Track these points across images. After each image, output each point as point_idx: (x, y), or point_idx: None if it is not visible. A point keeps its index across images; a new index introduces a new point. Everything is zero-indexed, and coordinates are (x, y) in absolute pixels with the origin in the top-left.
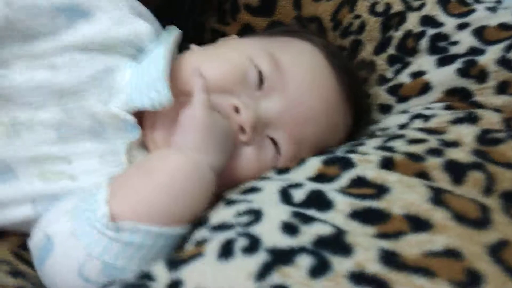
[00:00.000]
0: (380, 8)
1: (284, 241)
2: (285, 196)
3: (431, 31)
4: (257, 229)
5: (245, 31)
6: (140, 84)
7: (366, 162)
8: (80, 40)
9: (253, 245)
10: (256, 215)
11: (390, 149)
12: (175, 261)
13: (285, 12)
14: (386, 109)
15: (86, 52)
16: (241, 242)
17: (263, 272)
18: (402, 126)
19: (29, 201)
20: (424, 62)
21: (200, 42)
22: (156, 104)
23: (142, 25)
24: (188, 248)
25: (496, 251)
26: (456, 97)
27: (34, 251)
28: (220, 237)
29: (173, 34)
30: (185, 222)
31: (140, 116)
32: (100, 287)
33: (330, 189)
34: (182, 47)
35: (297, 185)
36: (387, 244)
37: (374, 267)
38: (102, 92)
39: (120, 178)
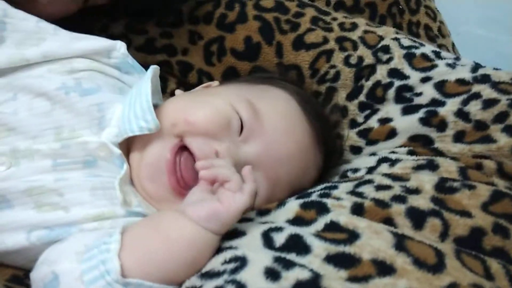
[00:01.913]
0: (353, 60)
1: (267, 286)
2: (267, 239)
3: (397, 83)
4: (242, 276)
5: (229, 73)
6: (129, 116)
7: (340, 207)
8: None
9: None
10: (241, 261)
11: (360, 195)
12: None
13: (268, 59)
14: (356, 150)
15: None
16: None
17: None
18: (371, 169)
19: (23, 230)
20: (391, 110)
21: (185, 82)
22: (145, 130)
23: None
24: None
25: None
26: (419, 143)
27: (39, 283)
28: (210, 285)
29: (152, 69)
30: (184, 280)
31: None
32: None
33: (307, 233)
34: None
35: (278, 229)
36: (357, 287)
37: None
38: (94, 125)
39: (134, 232)
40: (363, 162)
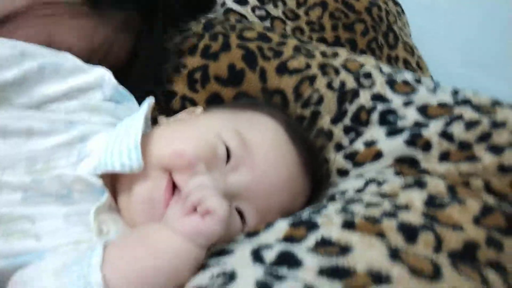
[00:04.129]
0: (336, 84)
1: None
2: (257, 256)
3: (381, 106)
4: None
5: (213, 99)
6: (112, 149)
7: (330, 224)
8: (59, 92)
9: None
10: (230, 276)
11: (350, 213)
12: None
13: (252, 84)
14: (343, 173)
15: (66, 117)
16: None
17: None
18: (359, 191)
19: None
20: (375, 132)
21: (168, 108)
22: (127, 169)
23: (103, 69)
24: None
25: None
26: (405, 164)
27: None
28: None
29: (147, 104)
30: None
31: (109, 181)
32: None
33: (298, 249)
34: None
35: (268, 246)
36: None
37: None
38: (72, 156)
39: (117, 245)
40: (350, 184)
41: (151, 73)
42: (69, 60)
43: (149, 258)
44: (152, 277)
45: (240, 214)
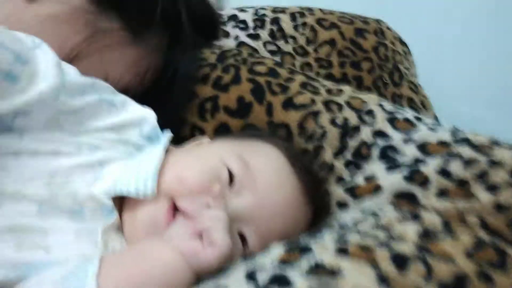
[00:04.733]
0: (339, 121)
1: None
2: (251, 278)
3: (381, 143)
4: None
5: (221, 128)
6: (130, 174)
7: (324, 249)
8: (102, 126)
9: None
10: None
11: (345, 241)
12: None
13: (259, 117)
14: (343, 205)
15: (93, 143)
16: None
17: None
18: (356, 222)
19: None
20: (376, 168)
21: (178, 135)
22: (141, 194)
23: (149, 109)
24: None
25: None
26: (404, 200)
27: None
28: None
29: (167, 137)
30: None
31: (118, 203)
32: None
33: (291, 272)
34: None
35: (262, 269)
36: None
37: None
38: (89, 176)
39: (113, 256)
40: (349, 216)
41: (187, 95)
42: (120, 96)
43: (141, 268)
44: (143, 287)
45: (242, 237)
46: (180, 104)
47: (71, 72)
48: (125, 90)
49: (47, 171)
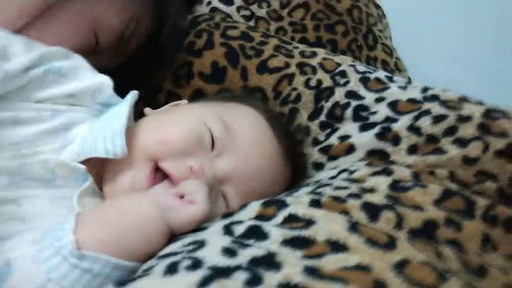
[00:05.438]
0: (313, 83)
1: (224, 261)
2: (228, 230)
3: (354, 103)
4: (200, 253)
5: (197, 95)
6: (96, 136)
7: (298, 203)
8: (51, 95)
9: (196, 264)
10: (200, 243)
11: (319, 194)
12: (122, 281)
13: (234, 81)
14: (318, 166)
15: (52, 107)
16: (185, 263)
17: (204, 282)
18: (331, 178)
19: None
20: (349, 128)
21: (154, 102)
22: (111, 154)
23: (105, 78)
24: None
25: (399, 267)
26: (376, 157)
27: None
28: (166, 262)
29: (133, 95)
30: (140, 260)
31: (93, 167)
32: None
33: (266, 225)
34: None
35: (239, 223)
36: (311, 262)
37: (298, 278)
38: (56, 142)
39: (89, 212)
40: (325, 174)
41: (177, 45)
42: (73, 62)
43: (117, 219)
44: (121, 237)
45: (224, 197)
46: (172, 59)
47: (16, 51)
48: (122, 42)
49: (12, 143)
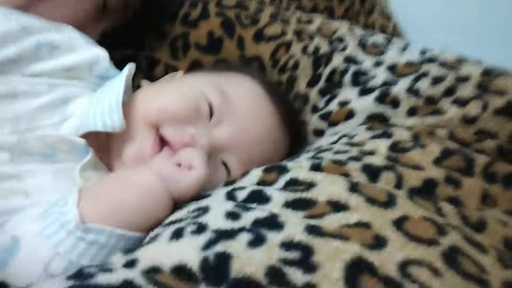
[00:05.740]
0: (310, 50)
1: (227, 224)
2: (230, 196)
3: (353, 68)
4: (204, 219)
5: (194, 66)
6: (95, 109)
7: (299, 167)
8: (46, 69)
9: (201, 229)
10: (204, 210)
11: (319, 158)
12: (130, 249)
13: (230, 51)
14: (319, 133)
15: (48, 80)
16: (190, 228)
17: (209, 244)
18: (332, 143)
19: None
20: (348, 93)
21: (152, 75)
22: (109, 128)
23: (101, 50)
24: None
25: (399, 222)
26: (376, 120)
27: None
28: (172, 228)
29: (129, 67)
30: (145, 230)
31: (94, 140)
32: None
33: (268, 189)
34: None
35: (241, 188)
36: (312, 222)
37: (301, 236)
38: (54, 117)
39: (92, 186)
40: (325, 141)
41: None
42: (66, 35)
43: (120, 190)
44: (124, 208)
45: (225, 165)
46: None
47: None
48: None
49: (10, 118)
